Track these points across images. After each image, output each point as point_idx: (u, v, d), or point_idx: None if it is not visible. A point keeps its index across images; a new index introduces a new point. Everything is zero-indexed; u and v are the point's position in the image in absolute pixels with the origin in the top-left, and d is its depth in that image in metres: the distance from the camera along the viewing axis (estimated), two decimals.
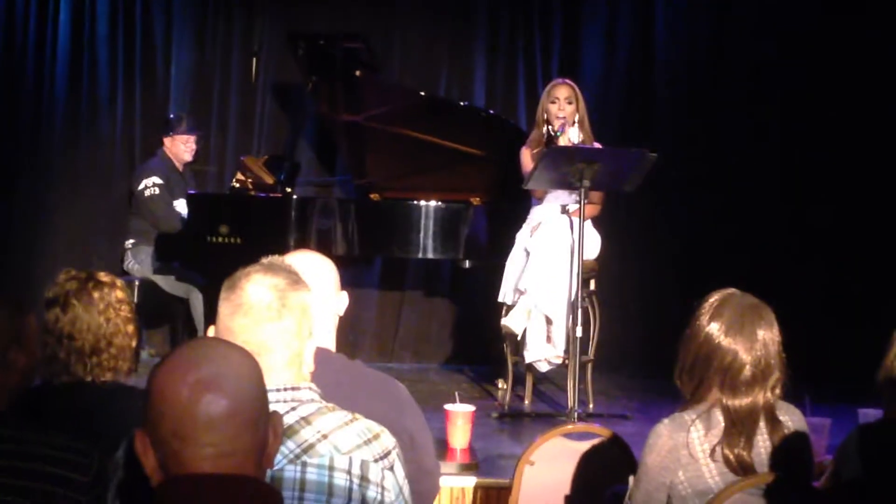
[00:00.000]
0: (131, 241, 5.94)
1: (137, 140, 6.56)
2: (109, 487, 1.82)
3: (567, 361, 4.69)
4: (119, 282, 2.69)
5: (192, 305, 5.69)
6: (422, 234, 5.23)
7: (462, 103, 6.15)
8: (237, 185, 5.62)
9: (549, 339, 4.87)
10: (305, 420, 1.83)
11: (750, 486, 2.39)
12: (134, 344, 2.66)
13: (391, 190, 5.76)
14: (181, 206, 5.81)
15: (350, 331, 6.24)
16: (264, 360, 1.74)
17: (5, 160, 6.44)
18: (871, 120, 6.18)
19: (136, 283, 5.74)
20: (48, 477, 1.96)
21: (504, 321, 4.93)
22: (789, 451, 2.46)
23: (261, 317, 1.86)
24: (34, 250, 6.41)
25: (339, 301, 2.52)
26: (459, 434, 3.90)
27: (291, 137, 6.00)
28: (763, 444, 2.45)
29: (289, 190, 5.61)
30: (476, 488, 3.75)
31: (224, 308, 1.88)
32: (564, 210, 4.95)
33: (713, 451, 2.42)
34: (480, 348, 6.16)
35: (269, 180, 5.60)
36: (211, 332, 1.91)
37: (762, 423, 2.45)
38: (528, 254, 4.90)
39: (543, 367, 4.97)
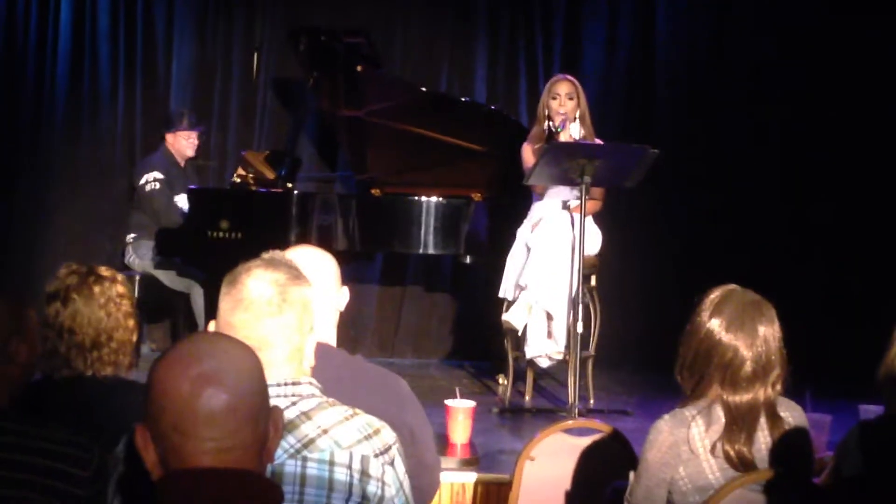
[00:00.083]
0: (132, 235, 5.93)
1: (138, 136, 6.55)
2: (110, 482, 1.82)
3: (567, 357, 4.69)
4: (120, 276, 2.70)
5: (192, 300, 5.69)
6: (423, 230, 5.22)
7: (463, 99, 6.15)
8: (238, 180, 5.61)
9: (549, 334, 4.87)
10: (306, 415, 1.83)
11: (750, 482, 2.39)
12: (134, 338, 2.67)
13: (392, 185, 5.75)
14: (182, 201, 5.80)
15: (351, 326, 6.23)
16: (265, 354, 1.74)
17: (5, 160, 6.43)
18: (872, 120, 6.18)
19: (137, 277, 5.75)
20: (49, 471, 1.96)
21: (505, 317, 4.92)
22: (790, 447, 2.46)
23: (261, 312, 1.86)
24: (34, 249, 6.41)
25: (340, 296, 2.52)
26: (460, 429, 3.90)
27: (292, 133, 5.98)
28: (763, 440, 2.45)
29: (290, 185, 5.59)
30: (476, 483, 3.75)
31: (225, 303, 1.88)
32: (565, 206, 4.94)
33: (714, 447, 2.42)
34: (481, 344, 6.16)
35: (270, 175, 5.59)
36: (212, 326, 1.91)
37: (763, 420, 2.45)
38: (528, 250, 4.90)
39: (544, 363, 4.97)
